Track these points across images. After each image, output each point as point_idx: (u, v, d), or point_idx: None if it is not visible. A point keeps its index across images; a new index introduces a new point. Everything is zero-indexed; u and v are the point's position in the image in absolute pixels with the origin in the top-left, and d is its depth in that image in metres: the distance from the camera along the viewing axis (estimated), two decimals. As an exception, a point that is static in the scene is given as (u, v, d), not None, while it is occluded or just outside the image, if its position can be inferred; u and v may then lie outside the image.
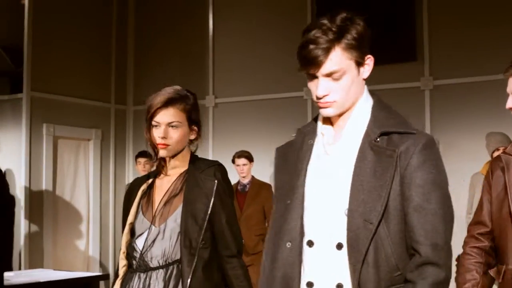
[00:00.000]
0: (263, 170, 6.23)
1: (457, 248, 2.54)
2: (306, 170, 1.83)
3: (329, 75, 1.74)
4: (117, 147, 7.83)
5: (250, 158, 6.00)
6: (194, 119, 2.48)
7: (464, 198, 5.61)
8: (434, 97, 6.38)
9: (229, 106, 7.43)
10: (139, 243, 2.42)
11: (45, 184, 6.83)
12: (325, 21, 1.73)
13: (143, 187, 2.55)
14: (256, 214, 5.88)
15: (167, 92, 2.45)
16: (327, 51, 1.71)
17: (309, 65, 1.74)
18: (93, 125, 7.50)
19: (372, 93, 1.86)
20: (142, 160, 6.45)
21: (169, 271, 2.36)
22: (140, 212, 2.49)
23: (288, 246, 1.79)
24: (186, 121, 2.45)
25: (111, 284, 2.68)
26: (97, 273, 6.75)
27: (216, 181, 2.41)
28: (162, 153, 2.44)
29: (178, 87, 2.50)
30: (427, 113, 6.36)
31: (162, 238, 2.38)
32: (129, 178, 7.79)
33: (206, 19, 7.64)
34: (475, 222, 2.53)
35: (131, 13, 8.11)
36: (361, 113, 1.81)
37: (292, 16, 6.93)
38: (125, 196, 2.66)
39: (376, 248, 1.68)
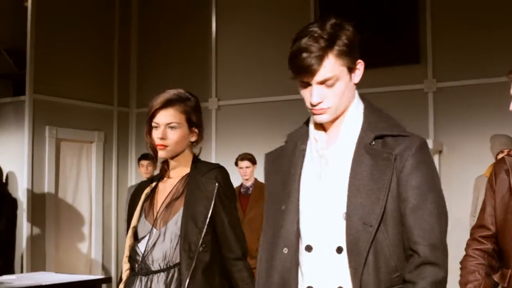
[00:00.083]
0: (266, 173, 6.21)
1: (461, 251, 2.53)
2: (300, 175, 1.83)
3: (322, 82, 1.74)
4: (120, 149, 7.83)
5: (253, 161, 5.98)
6: (194, 121, 2.47)
7: (468, 200, 5.60)
8: (437, 100, 6.36)
9: (232, 108, 7.42)
10: (141, 246, 2.42)
11: (47, 186, 6.83)
12: (316, 28, 1.73)
13: (147, 190, 2.55)
14: (259, 217, 5.80)
15: (167, 93, 2.45)
16: (321, 59, 1.71)
17: (302, 73, 1.75)
18: (96, 127, 7.51)
19: (362, 97, 1.87)
20: (144, 162, 6.44)
21: (170, 275, 2.35)
22: (143, 215, 2.49)
23: (285, 252, 1.79)
24: (185, 122, 2.44)
25: (115, 288, 2.68)
26: (100, 276, 6.74)
27: (217, 184, 2.39)
28: (161, 154, 2.44)
29: (180, 90, 2.49)
30: (430, 115, 6.35)
31: (163, 241, 2.38)
32: (132, 180, 7.79)
33: (209, 21, 7.64)
34: (478, 225, 2.53)
35: (134, 15, 8.12)
36: (354, 117, 1.82)
37: (294, 19, 6.90)
38: (129, 200, 2.66)
39: (376, 251, 1.69)
